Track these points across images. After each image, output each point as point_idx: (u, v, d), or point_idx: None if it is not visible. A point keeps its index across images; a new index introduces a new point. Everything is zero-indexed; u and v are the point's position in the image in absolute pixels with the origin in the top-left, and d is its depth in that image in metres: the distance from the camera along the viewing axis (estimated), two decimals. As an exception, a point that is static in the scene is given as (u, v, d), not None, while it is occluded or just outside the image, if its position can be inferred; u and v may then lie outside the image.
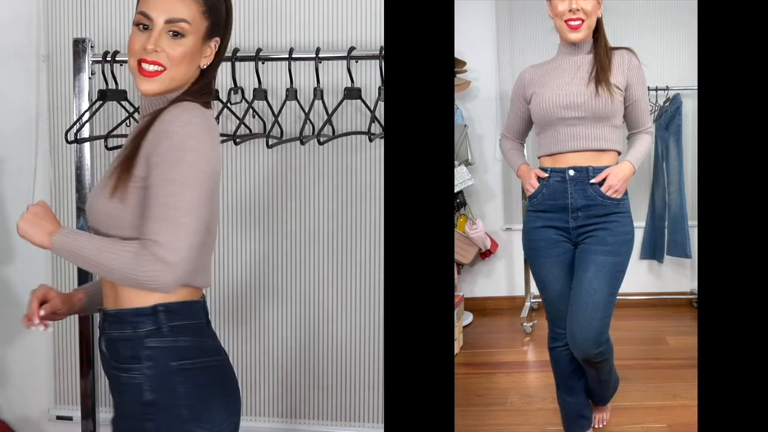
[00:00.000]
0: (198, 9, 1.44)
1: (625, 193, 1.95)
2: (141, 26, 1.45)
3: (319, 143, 2.13)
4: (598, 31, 1.94)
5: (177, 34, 1.43)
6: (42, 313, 1.51)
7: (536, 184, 1.99)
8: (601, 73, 1.86)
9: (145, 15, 1.43)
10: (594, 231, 1.91)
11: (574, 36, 1.88)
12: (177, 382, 1.42)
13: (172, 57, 1.43)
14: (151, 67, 1.43)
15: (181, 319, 1.45)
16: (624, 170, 1.90)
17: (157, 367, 1.42)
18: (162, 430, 1.41)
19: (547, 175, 1.96)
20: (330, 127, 2.24)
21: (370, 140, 2.16)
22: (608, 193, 1.89)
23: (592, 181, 1.90)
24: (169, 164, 1.33)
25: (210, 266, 1.53)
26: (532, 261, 2.04)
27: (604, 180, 1.90)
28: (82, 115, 2.19)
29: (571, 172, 1.92)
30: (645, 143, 2.00)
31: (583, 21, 1.86)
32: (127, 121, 2.22)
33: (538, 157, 2.05)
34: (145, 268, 1.30)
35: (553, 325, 2.10)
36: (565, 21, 1.87)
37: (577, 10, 1.84)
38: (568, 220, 1.94)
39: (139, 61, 1.44)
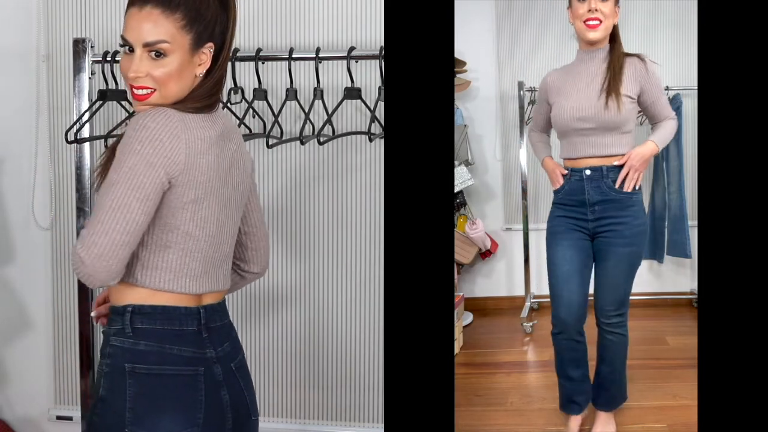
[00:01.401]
0: (176, 25, 1.42)
1: (639, 189, 2.10)
2: (127, 48, 1.45)
3: (319, 143, 2.13)
4: (614, 40, 2.07)
5: (159, 54, 1.43)
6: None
7: (561, 181, 2.18)
8: (612, 84, 1.99)
9: (125, 40, 1.44)
10: (612, 225, 2.08)
11: (591, 35, 2.00)
12: (127, 383, 1.44)
13: (157, 78, 1.43)
14: (140, 91, 1.45)
15: (148, 323, 1.46)
16: (645, 150, 2.04)
17: (114, 365, 1.45)
18: (104, 428, 1.45)
19: (567, 173, 2.16)
20: (330, 127, 2.24)
21: (370, 140, 2.16)
22: (626, 172, 2.03)
23: (614, 183, 2.07)
24: (114, 165, 1.38)
25: (208, 272, 1.51)
26: (548, 245, 2.19)
27: (617, 176, 2.07)
28: (82, 115, 2.19)
29: (588, 172, 2.10)
30: (669, 126, 2.11)
31: (600, 21, 1.98)
32: (127, 121, 2.21)
33: (561, 157, 2.24)
34: (73, 260, 1.36)
35: (556, 312, 2.20)
36: (584, 21, 2.00)
37: (595, 10, 1.97)
38: (587, 213, 2.12)
39: (130, 85, 1.45)
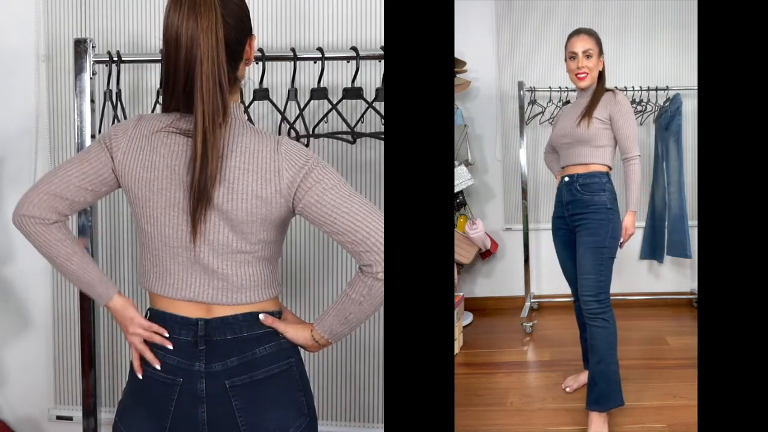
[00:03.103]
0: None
1: (603, 191, 2.51)
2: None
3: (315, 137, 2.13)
4: (600, 80, 2.59)
5: None
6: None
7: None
8: (587, 110, 2.54)
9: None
10: (579, 219, 2.54)
11: (581, 84, 2.57)
12: (128, 377, 1.58)
13: None
14: None
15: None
16: (632, 218, 2.56)
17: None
18: None
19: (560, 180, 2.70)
20: (326, 125, 2.24)
21: (351, 139, 2.16)
22: (628, 234, 2.55)
23: (581, 186, 2.55)
24: None
25: (174, 276, 1.49)
26: (553, 240, 2.74)
27: (586, 182, 2.53)
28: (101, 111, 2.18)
29: (566, 179, 2.61)
30: (634, 179, 2.52)
31: (587, 74, 2.55)
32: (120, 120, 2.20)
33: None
34: None
35: (570, 284, 2.74)
36: (575, 75, 2.57)
37: (582, 67, 2.55)
38: (564, 211, 2.62)
39: None
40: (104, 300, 1.55)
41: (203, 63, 1.40)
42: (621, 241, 2.52)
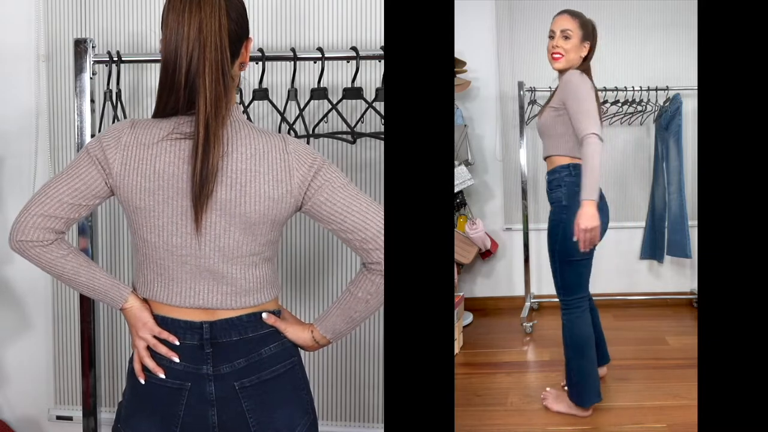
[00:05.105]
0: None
1: (559, 186, 2.35)
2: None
3: (314, 137, 2.13)
4: (585, 66, 2.41)
5: None
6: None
7: None
8: (549, 98, 2.46)
9: None
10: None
11: (554, 65, 2.40)
12: (127, 383, 1.56)
13: None
14: None
15: None
16: (584, 211, 2.15)
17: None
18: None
19: None
20: (326, 125, 2.24)
21: (351, 139, 2.16)
22: (585, 240, 2.17)
23: (548, 183, 2.44)
24: None
25: (181, 283, 1.47)
26: None
27: (550, 179, 2.40)
28: (100, 113, 2.19)
29: (547, 176, 2.48)
30: (591, 161, 2.16)
31: (562, 55, 2.36)
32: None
33: None
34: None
35: None
36: (551, 54, 2.39)
37: (557, 47, 2.36)
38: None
39: None
40: (119, 303, 1.51)
41: (206, 47, 1.39)
42: (575, 239, 2.17)
